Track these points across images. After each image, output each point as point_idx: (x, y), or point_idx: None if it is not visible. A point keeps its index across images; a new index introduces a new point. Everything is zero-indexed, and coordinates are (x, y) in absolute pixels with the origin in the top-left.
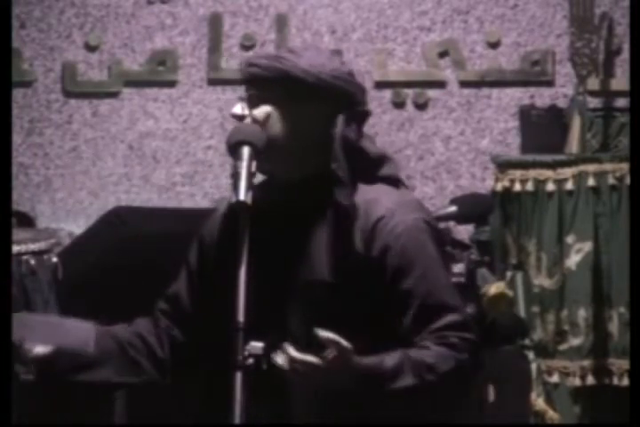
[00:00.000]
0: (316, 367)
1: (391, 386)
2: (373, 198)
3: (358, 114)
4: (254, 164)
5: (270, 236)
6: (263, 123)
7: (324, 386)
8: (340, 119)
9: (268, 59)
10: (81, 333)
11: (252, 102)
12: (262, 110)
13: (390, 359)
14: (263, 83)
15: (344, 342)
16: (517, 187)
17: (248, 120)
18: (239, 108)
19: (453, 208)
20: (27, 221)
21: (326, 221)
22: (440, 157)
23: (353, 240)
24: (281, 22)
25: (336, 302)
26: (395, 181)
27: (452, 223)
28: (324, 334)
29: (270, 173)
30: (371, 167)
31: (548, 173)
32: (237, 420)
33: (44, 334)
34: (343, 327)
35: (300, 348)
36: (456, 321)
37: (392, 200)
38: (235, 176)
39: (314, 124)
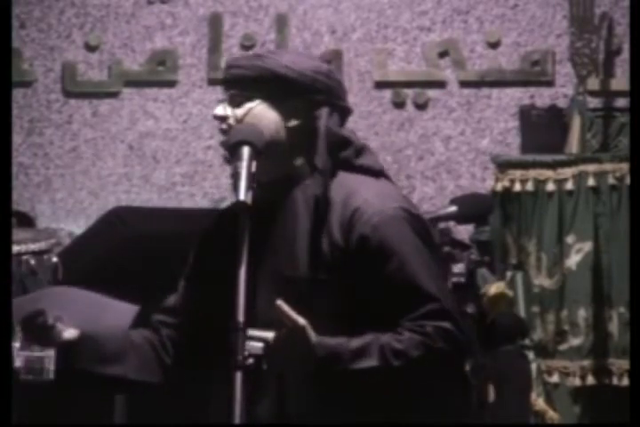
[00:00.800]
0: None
1: (353, 366)
2: (352, 190)
3: (340, 108)
4: (254, 164)
5: (255, 233)
6: (241, 119)
7: (285, 364)
8: (324, 111)
9: (248, 59)
10: (118, 320)
11: (235, 102)
12: (245, 110)
13: (356, 341)
14: (246, 82)
15: (300, 320)
16: (517, 187)
17: (231, 120)
18: (221, 109)
19: (453, 208)
20: (27, 221)
21: (308, 216)
22: (440, 157)
23: (332, 233)
24: (281, 22)
25: (319, 296)
26: (375, 172)
27: (451, 223)
28: (284, 308)
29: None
30: (352, 157)
31: (548, 173)
32: (237, 420)
33: (82, 311)
34: (327, 321)
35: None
36: (436, 310)
37: (370, 191)
38: (235, 176)
39: (296, 119)
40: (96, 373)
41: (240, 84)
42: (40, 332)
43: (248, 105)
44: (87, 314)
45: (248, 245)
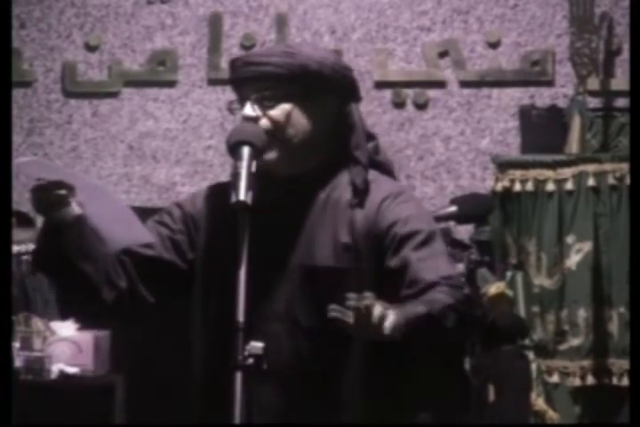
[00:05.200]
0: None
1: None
2: (375, 185)
3: (359, 99)
4: (254, 163)
5: (273, 225)
6: (284, 123)
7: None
8: (355, 107)
9: (277, 56)
10: (139, 235)
11: (265, 101)
12: (282, 110)
13: (418, 307)
14: (278, 80)
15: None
16: (517, 187)
17: (264, 121)
18: (250, 110)
19: (453, 208)
20: (27, 221)
21: (331, 208)
22: (440, 157)
23: (356, 224)
24: (281, 22)
25: (341, 287)
26: (390, 168)
27: (452, 223)
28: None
29: (279, 169)
30: (372, 153)
31: (548, 173)
32: (237, 420)
33: (102, 211)
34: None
35: (302, 333)
36: (452, 285)
37: (392, 185)
38: (235, 176)
39: (330, 115)
40: (73, 261)
41: (271, 82)
42: (51, 202)
43: (283, 106)
44: (105, 215)
45: (247, 246)
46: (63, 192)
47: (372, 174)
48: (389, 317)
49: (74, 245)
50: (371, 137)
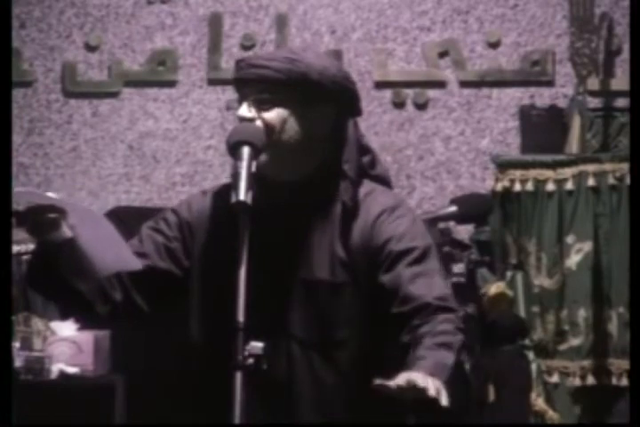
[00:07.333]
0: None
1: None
2: (372, 197)
3: (359, 113)
4: (254, 164)
5: (268, 235)
6: (277, 127)
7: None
8: (352, 122)
9: (278, 61)
10: (122, 258)
11: (261, 104)
12: (277, 115)
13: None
14: (276, 85)
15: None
16: (517, 187)
17: (258, 122)
18: (246, 111)
19: (453, 208)
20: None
21: (326, 219)
22: (440, 157)
23: (351, 237)
24: (281, 22)
25: (336, 301)
26: (387, 181)
27: (451, 223)
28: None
29: (270, 174)
30: (368, 166)
31: (548, 173)
32: (237, 420)
33: (95, 233)
34: (343, 325)
35: (297, 345)
36: (443, 306)
37: (389, 198)
38: (235, 176)
39: (324, 125)
40: (66, 280)
41: (270, 86)
42: (43, 224)
43: (279, 110)
44: (96, 240)
45: (248, 246)
46: (55, 215)
47: (369, 186)
48: (442, 390)
49: (65, 266)
50: (366, 151)
